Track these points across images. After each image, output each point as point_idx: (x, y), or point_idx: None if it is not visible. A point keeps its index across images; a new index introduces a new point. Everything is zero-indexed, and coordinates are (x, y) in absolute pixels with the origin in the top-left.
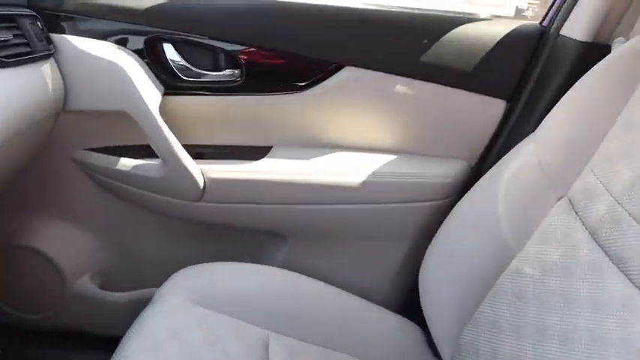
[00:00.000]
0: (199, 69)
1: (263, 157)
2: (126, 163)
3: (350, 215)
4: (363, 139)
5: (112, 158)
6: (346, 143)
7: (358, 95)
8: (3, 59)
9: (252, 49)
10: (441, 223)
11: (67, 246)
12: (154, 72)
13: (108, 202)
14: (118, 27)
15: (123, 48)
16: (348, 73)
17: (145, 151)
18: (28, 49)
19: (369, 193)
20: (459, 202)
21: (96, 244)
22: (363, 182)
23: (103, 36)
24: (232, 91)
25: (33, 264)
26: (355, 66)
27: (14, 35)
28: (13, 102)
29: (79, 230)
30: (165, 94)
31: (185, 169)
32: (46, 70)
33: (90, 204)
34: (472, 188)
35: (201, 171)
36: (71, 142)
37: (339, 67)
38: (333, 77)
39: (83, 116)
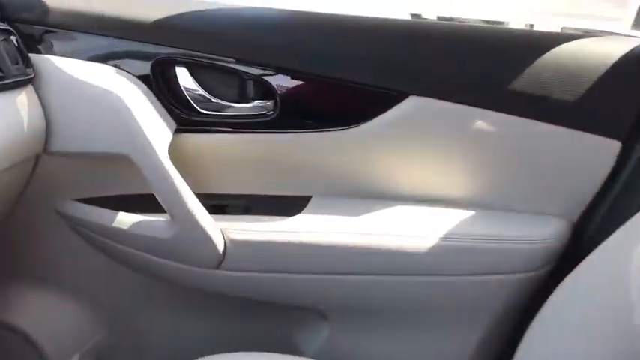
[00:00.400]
0: (221, 100)
1: (300, 211)
2: (124, 218)
3: (411, 290)
4: (431, 190)
5: (107, 212)
6: (408, 194)
7: (425, 132)
8: None
9: (290, 74)
10: (532, 301)
11: (50, 321)
12: (163, 103)
13: (102, 265)
14: (118, 46)
15: (124, 72)
16: (412, 105)
17: (148, 203)
18: None
19: (436, 262)
20: (567, 279)
21: (87, 319)
22: (430, 247)
23: (99, 57)
24: (263, 128)
25: (8, 343)
26: (422, 95)
27: None
28: None
29: (66, 301)
30: (177, 131)
31: (199, 228)
32: (22, 100)
33: (79, 268)
34: (585, 261)
35: (220, 230)
36: (56, 191)
37: (400, 97)
38: (392, 110)
39: (70, 159)
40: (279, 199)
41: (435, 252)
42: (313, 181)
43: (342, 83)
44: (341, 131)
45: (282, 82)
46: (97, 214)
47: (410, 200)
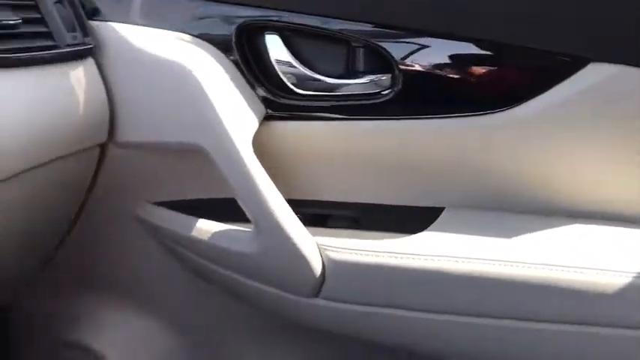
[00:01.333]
0: (324, 75)
1: (427, 227)
2: (202, 226)
3: (602, 347)
4: (628, 203)
5: (184, 218)
6: (589, 209)
7: (616, 117)
8: (2, 54)
9: (414, 38)
10: None
11: (126, 342)
12: (249, 82)
13: (185, 281)
14: (195, 9)
15: (201, 42)
16: (594, 76)
17: (232, 209)
18: (49, 42)
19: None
20: None
21: (169, 342)
22: (626, 286)
23: (172, 24)
24: (377, 113)
25: None
26: (611, 61)
27: (24, 20)
28: (12, 123)
29: (145, 320)
30: (266, 117)
31: (291, 243)
32: (79, 74)
33: (159, 282)
34: None
35: (318, 247)
36: (129, 190)
37: (575, 65)
38: (562, 85)
39: (146, 152)
40: (398, 210)
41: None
42: (446, 187)
43: (488, 48)
44: (488, 116)
45: (403, 49)
46: (174, 220)
47: (592, 217)
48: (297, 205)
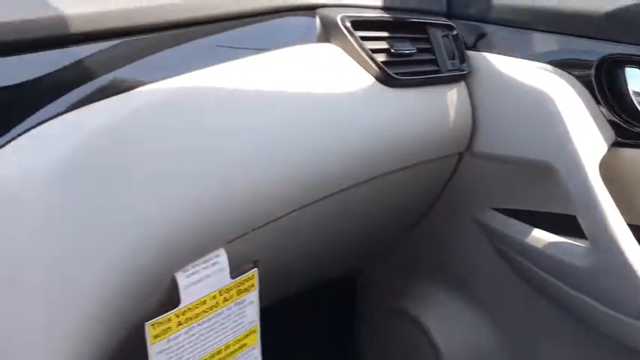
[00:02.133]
0: None
1: None
2: (538, 235)
3: None
4: None
5: (521, 226)
6: None
7: None
8: (397, 76)
9: None
10: None
11: (453, 325)
12: (602, 110)
13: (513, 284)
14: (559, 43)
15: (562, 73)
16: None
17: (569, 224)
18: (433, 68)
19: None
20: None
21: (488, 335)
22: None
23: (538, 56)
24: None
25: (405, 331)
26: None
27: (418, 49)
28: (401, 131)
29: (472, 310)
30: (613, 144)
31: (626, 264)
32: (453, 95)
33: (488, 280)
34: None
35: None
36: (474, 196)
37: None
38: None
39: (492, 164)
40: None
41: None
42: None
43: None
44: None
45: None
46: (510, 226)
47: None
48: (638, 231)
